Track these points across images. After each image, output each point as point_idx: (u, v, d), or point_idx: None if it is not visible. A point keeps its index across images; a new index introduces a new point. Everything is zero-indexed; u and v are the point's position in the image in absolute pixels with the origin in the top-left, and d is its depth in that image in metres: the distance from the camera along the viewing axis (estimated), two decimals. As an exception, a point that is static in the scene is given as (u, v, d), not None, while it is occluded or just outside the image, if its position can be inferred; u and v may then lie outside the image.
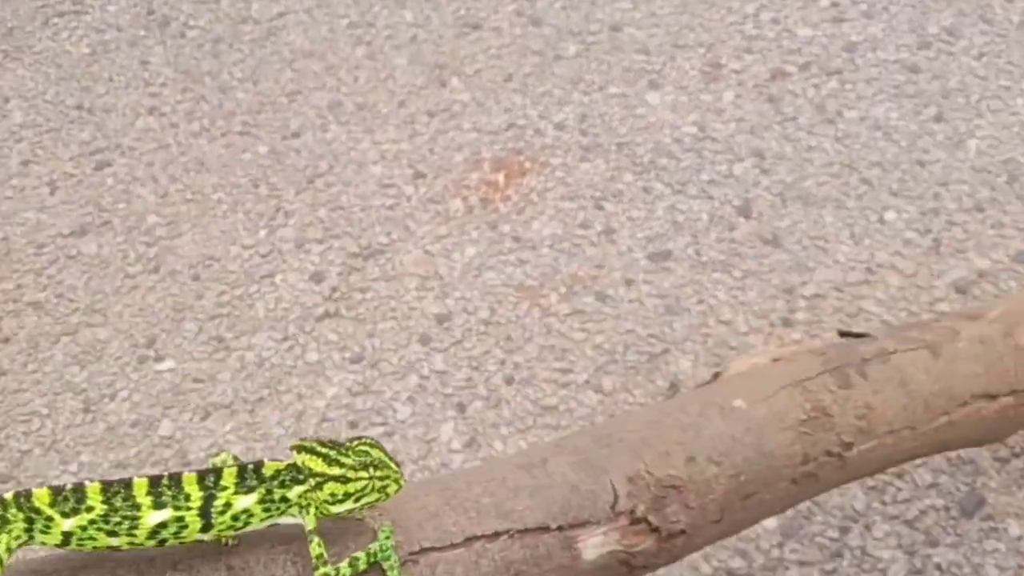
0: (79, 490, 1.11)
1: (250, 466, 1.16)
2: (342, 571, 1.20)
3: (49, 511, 1.11)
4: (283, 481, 1.16)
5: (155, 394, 2.51)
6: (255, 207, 2.90)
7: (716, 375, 1.71)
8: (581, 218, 2.71)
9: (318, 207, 2.86)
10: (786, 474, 1.47)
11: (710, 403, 1.50)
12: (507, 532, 1.32)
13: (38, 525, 1.11)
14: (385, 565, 1.22)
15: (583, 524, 1.34)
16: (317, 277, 2.70)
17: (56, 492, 1.11)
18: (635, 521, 1.36)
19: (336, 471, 1.17)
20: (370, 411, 2.40)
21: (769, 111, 2.91)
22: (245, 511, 1.15)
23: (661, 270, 2.56)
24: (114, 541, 1.13)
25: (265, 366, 2.53)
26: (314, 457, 1.18)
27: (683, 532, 1.40)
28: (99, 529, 1.11)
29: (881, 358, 1.58)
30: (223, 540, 1.22)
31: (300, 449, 1.19)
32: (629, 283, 2.55)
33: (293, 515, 1.19)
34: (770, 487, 1.47)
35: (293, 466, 1.17)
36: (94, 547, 1.12)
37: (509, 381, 2.40)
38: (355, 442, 1.23)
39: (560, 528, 1.33)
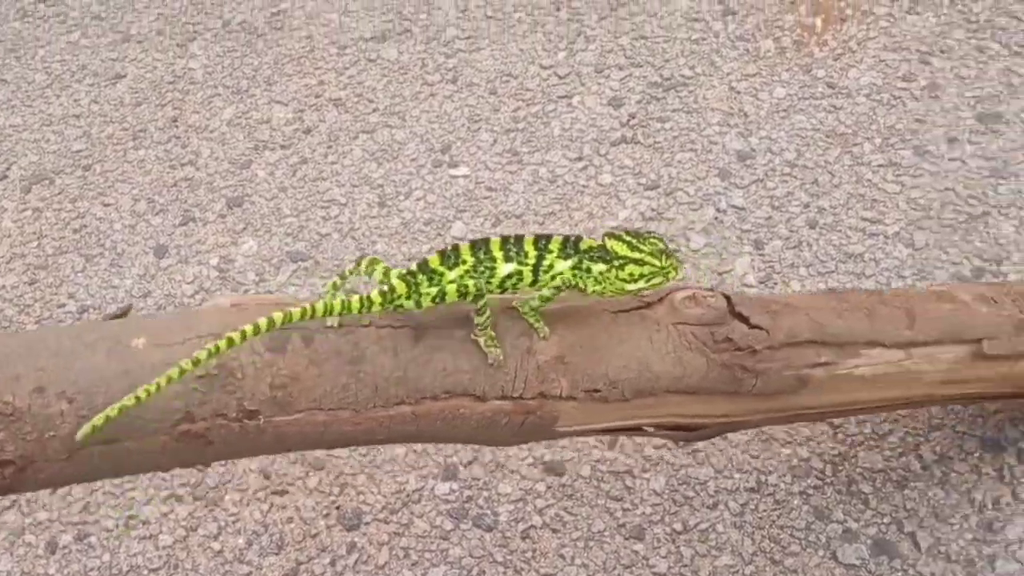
0: (456, 249, 1.41)
1: (571, 238, 1.43)
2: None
3: (441, 268, 1.40)
4: (592, 256, 1.43)
5: (448, 197, 2.55)
6: (555, 29, 2.87)
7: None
8: (904, 71, 2.55)
9: (620, 35, 2.81)
10: (159, 428, 1.35)
11: (108, 336, 1.37)
12: None
13: (435, 280, 1.41)
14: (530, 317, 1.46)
15: None
16: (616, 102, 2.66)
17: (442, 254, 1.41)
18: None
19: (636, 255, 1.42)
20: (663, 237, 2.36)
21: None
22: (561, 273, 1.43)
23: (989, 132, 2.39)
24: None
25: (558, 183, 2.53)
26: (620, 243, 1.43)
27: (12, 463, 1.30)
28: (470, 277, 1.41)
29: (347, 329, 1.42)
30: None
31: (610, 236, 1.44)
32: (952, 141, 2.39)
33: (580, 284, 1.43)
34: (140, 439, 1.35)
35: (603, 247, 1.43)
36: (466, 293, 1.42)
37: (812, 224, 2.31)
38: (648, 235, 1.47)
39: None
